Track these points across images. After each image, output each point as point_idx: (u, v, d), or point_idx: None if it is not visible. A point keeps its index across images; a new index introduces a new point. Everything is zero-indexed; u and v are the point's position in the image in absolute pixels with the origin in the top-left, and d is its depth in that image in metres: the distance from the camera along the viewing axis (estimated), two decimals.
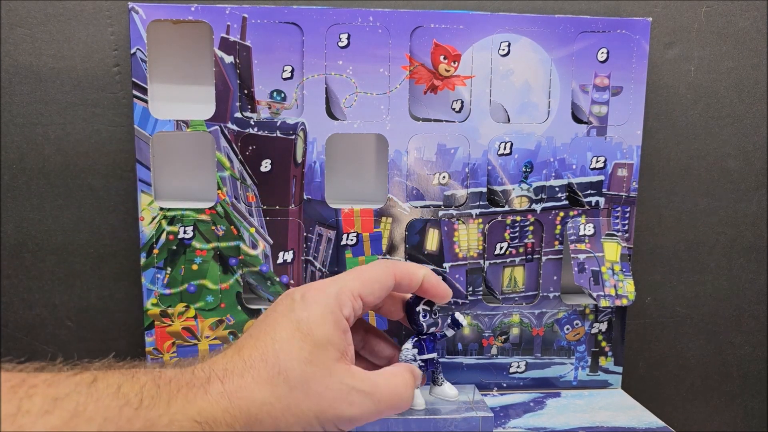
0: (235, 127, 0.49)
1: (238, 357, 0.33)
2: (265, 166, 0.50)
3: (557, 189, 0.53)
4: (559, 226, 0.54)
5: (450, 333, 0.43)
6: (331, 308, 0.35)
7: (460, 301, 0.53)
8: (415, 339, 0.42)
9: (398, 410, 0.36)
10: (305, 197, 0.51)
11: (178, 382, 0.30)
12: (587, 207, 0.54)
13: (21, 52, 0.51)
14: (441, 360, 0.54)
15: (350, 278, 0.37)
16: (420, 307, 0.42)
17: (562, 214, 0.53)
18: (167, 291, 0.50)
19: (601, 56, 0.52)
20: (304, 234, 0.51)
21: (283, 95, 0.49)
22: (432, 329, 0.42)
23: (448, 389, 0.44)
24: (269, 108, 0.49)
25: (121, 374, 0.29)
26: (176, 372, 0.31)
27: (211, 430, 0.29)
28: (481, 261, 0.53)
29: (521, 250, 0.54)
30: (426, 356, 0.42)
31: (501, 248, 0.53)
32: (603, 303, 0.54)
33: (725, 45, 0.58)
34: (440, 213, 0.52)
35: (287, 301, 0.36)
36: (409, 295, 0.43)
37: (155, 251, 0.50)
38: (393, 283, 0.38)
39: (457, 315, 0.43)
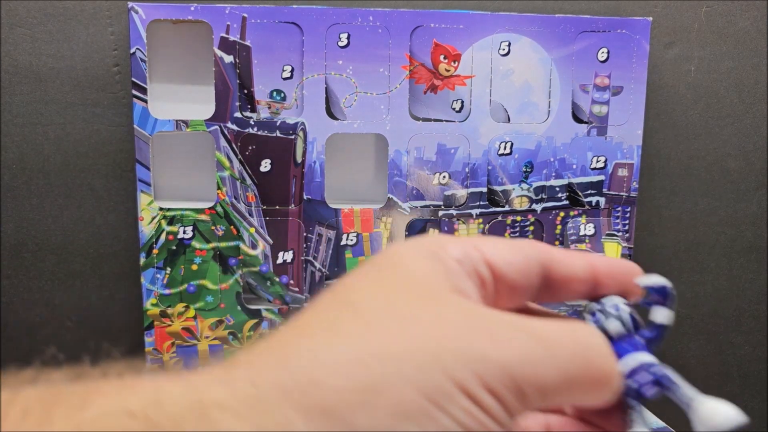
0: (234, 127, 0.49)
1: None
2: (265, 165, 0.50)
3: (557, 189, 0.53)
4: (559, 226, 0.54)
5: (664, 314, 0.23)
6: (429, 248, 0.21)
7: None
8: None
9: (594, 375, 0.20)
10: (305, 197, 0.50)
11: None
12: (587, 207, 0.54)
13: (21, 51, 0.51)
14: None
15: (459, 237, 0.24)
16: (586, 309, 0.25)
17: (562, 214, 0.53)
18: (167, 291, 0.50)
19: (602, 56, 0.52)
20: (304, 234, 0.51)
21: (282, 95, 0.49)
22: (613, 328, 0.23)
23: None
24: (269, 108, 0.49)
25: None
26: None
27: None
28: None
29: None
30: (629, 361, 0.22)
31: None
32: None
33: (725, 45, 0.58)
34: (440, 213, 0.52)
35: (363, 267, 0.22)
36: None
37: (155, 251, 0.50)
38: (535, 254, 0.22)
39: (645, 279, 0.24)
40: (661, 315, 0.23)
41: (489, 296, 0.21)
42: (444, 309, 0.19)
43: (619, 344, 0.23)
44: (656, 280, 0.23)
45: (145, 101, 0.48)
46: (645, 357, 0.22)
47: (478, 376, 0.17)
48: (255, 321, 0.51)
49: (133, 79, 0.48)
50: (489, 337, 0.18)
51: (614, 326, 0.23)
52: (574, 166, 0.53)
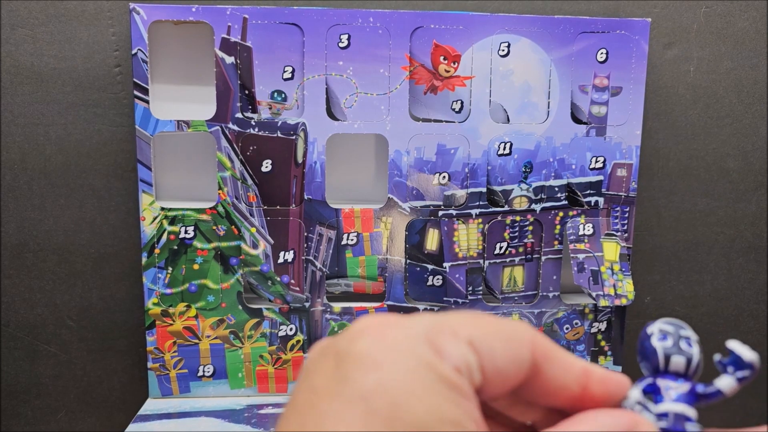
0: (235, 128, 0.49)
1: None
2: (266, 166, 0.50)
3: (557, 189, 0.53)
4: (558, 226, 0.54)
5: (729, 384, 0.23)
6: (416, 355, 0.18)
7: (460, 300, 0.53)
8: (648, 380, 0.23)
9: None
10: (306, 197, 0.51)
11: None
12: (587, 207, 0.54)
13: (22, 52, 0.52)
14: None
15: (448, 315, 0.20)
16: (654, 327, 0.24)
17: (561, 214, 0.54)
18: (168, 291, 0.50)
19: (601, 57, 0.52)
20: (305, 234, 0.51)
21: (283, 96, 0.49)
22: (676, 362, 0.23)
23: None
24: (270, 108, 0.49)
25: None
26: None
27: None
28: (481, 261, 0.53)
29: (521, 249, 0.54)
30: (664, 406, 0.22)
31: (501, 248, 0.54)
32: (602, 303, 0.54)
33: (724, 45, 0.59)
34: (440, 213, 0.52)
35: (328, 362, 0.18)
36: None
37: (156, 251, 0.50)
38: (528, 355, 0.20)
39: (736, 346, 0.23)
40: (725, 382, 0.23)
41: (475, 391, 0.19)
42: None
43: (668, 379, 0.23)
44: (744, 351, 0.23)
45: (147, 102, 0.48)
46: (686, 410, 0.22)
47: None
48: (256, 320, 0.51)
49: (135, 80, 0.48)
50: None
51: (678, 362, 0.23)
52: (573, 167, 0.53)
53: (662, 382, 0.23)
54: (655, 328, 0.23)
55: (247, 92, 0.49)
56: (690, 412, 0.22)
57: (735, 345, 0.23)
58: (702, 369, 0.23)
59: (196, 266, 0.50)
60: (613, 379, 0.22)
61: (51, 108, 0.52)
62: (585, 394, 0.21)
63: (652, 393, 0.23)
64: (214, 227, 0.50)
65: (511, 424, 0.23)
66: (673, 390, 0.23)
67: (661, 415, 0.22)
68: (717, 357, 0.23)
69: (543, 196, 0.53)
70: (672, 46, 0.58)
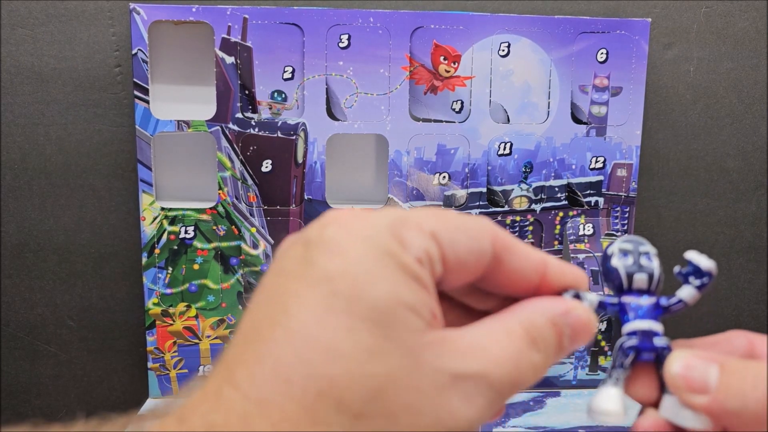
0: (236, 128, 0.49)
1: (231, 396, 0.18)
2: (266, 166, 0.50)
3: (557, 189, 0.53)
4: (558, 226, 0.54)
5: (690, 293, 0.24)
6: (381, 244, 0.19)
7: None
8: (613, 299, 0.24)
9: (519, 388, 0.20)
10: (306, 197, 0.51)
11: None
12: (587, 207, 0.54)
13: (22, 52, 0.52)
14: None
15: (413, 210, 0.21)
16: (615, 246, 0.24)
17: (561, 214, 0.54)
18: (168, 291, 0.50)
19: (601, 57, 0.52)
20: None
21: (283, 96, 0.49)
22: (639, 279, 0.23)
23: (603, 400, 0.24)
24: (270, 108, 0.49)
25: None
26: None
27: None
28: None
29: None
30: (631, 325, 0.23)
31: None
32: None
33: (725, 45, 0.59)
34: None
35: (297, 248, 0.20)
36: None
37: (156, 251, 0.50)
38: (489, 247, 0.21)
39: (693, 255, 0.24)
40: (686, 291, 0.24)
41: (436, 281, 0.20)
42: (409, 377, 0.18)
43: (633, 296, 0.23)
44: (701, 259, 0.24)
45: (147, 102, 0.48)
46: (653, 325, 0.23)
47: None
48: None
49: (135, 80, 0.48)
50: (449, 402, 0.18)
51: (640, 280, 0.23)
52: (574, 167, 0.53)
53: (627, 300, 0.23)
54: (615, 248, 0.24)
55: (247, 92, 0.49)
56: (657, 326, 0.23)
57: (692, 255, 0.24)
58: (663, 281, 0.24)
59: (196, 266, 0.50)
60: (570, 270, 0.23)
61: (51, 108, 0.52)
62: (543, 283, 0.22)
63: (620, 312, 0.23)
64: (214, 227, 0.50)
65: (469, 313, 0.24)
66: (638, 307, 0.23)
67: (630, 334, 0.23)
68: (677, 269, 0.24)
69: (543, 196, 0.53)
70: (672, 46, 0.58)
